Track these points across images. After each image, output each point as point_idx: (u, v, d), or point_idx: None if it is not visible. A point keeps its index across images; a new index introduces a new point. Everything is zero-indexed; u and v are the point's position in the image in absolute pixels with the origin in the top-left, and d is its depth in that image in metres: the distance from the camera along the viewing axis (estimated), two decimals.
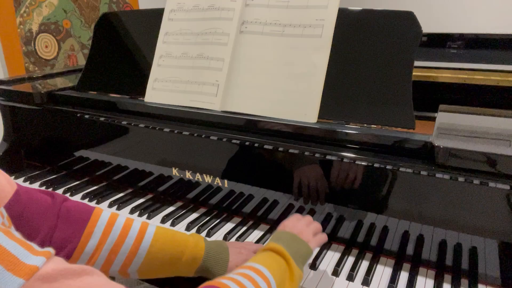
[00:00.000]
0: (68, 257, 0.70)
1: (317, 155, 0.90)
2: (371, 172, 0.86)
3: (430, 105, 1.08)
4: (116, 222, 0.75)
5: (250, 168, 1.01)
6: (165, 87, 1.14)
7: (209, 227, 1.01)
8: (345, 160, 0.88)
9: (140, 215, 1.08)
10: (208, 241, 0.81)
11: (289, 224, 0.78)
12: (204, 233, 1.00)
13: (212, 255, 0.79)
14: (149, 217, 1.07)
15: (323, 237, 0.81)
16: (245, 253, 0.83)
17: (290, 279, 0.65)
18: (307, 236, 0.75)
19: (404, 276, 0.84)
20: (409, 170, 0.82)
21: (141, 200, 1.16)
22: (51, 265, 0.44)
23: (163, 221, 1.05)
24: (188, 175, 1.09)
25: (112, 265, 0.74)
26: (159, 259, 0.76)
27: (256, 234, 1.00)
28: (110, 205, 1.13)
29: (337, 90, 0.95)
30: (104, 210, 0.77)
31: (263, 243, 0.95)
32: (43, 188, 1.24)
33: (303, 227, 0.77)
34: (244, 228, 1.02)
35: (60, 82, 1.44)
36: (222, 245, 0.82)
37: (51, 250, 0.45)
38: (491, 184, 0.75)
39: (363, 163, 0.86)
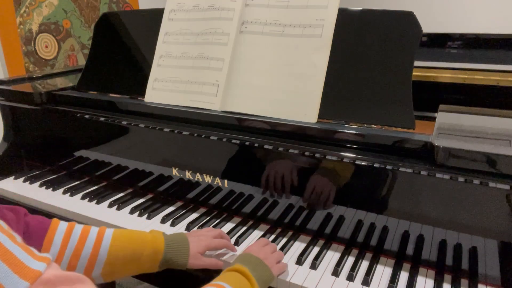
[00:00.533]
0: None
1: (317, 155, 0.90)
2: (371, 172, 0.86)
3: (430, 105, 1.08)
4: (74, 229, 0.79)
5: (250, 168, 1.01)
6: (165, 87, 1.14)
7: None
8: (345, 160, 0.87)
9: (140, 215, 1.08)
10: (167, 235, 0.85)
11: (255, 249, 0.83)
12: None
13: (172, 247, 0.82)
14: (149, 217, 1.07)
15: (284, 266, 0.85)
16: (204, 239, 0.87)
17: None
18: (270, 262, 0.80)
19: (404, 276, 0.84)
20: (409, 170, 0.82)
21: (141, 200, 1.16)
22: (52, 271, 0.47)
23: (163, 221, 1.05)
24: (188, 175, 1.09)
25: (75, 270, 0.75)
26: (121, 258, 0.78)
27: (256, 234, 1.00)
28: (110, 205, 1.13)
29: (337, 90, 0.95)
30: (61, 221, 0.80)
31: None
32: (43, 188, 1.24)
33: (267, 254, 0.82)
34: (244, 228, 1.02)
35: (60, 82, 1.44)
36: (181, 235, 0.86)
37: (49, 256, 0.48)
38: (491, 184, 0.75)
39: (363, 163, 0.86)
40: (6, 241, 0.45)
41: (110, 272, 0.79)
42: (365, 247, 0.92)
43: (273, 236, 0.98)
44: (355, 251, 0.93)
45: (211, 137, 1.02)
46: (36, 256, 0.47)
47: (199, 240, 0.86)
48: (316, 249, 0.93)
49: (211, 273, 0.85)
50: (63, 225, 0.79)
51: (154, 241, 0.82)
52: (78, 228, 0.80)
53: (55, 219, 0.81)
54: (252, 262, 0.78)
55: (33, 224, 0.77)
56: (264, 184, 0.99)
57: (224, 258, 0.90)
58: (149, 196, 1.18)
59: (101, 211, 1.11)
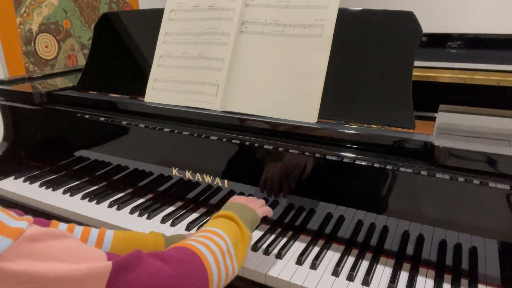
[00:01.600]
0: None
1: (317, 155, 0.90)
2: (371, 172, 0.86)
3: (430, 105, 1.08)
4: (74, 230, 0.78)
5: (250, 168, 1.01)
6: (165, 87, 1.14)
7: None
8: (345, 160, 0.87)
9: (140, 215, 1.08)
10: (167, 236, 0.86)
11: (237, 198, 0.88)
12: None
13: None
14: (149, 217, 1.07)
15: (269, 209, 0.90)
16: None
17: (242, 240, 0.75)
18: (253, 206, 0.85)
19: (404, 276, 0.84)
20: (409, 170, 0.82)
21: (141, 200, 1.16)
22: (35, 228, 0.48)
23: (163, 221, 1.05)
24: (188, 175, 1.09)
25: None
26: None
27: (256, 234, 1.00)
28: (110, 205, 1.13)
29: (337, 90, 0.95)
30: (60, 223, 0.80)
31: (263, 243, 0.95)
32: (43, 188, 1.24)
33: (249, 200, 0.87)
34: None
35: (60, 82, 1.44)
36: (180, 236, 0.87)
37: (30, 217, 0.49)
38: (491, 184, 0.75)
39: (363, 163, 0.86)
40: None
41: None
42: (365, 247, 0.92)
43: (273, 236, 0.98)
44: (355, 251, 0.93)
45: (211, 137, 1.02)
46: (16, 217, 0.48)
47: None
48: (316, 249, 0.93)
49: None
50: (62, 227, 0.79)
51: (155, 242, 0.82)
52: (78, 229, 0.79)
53: (54, 221, 0.80)
54: (237, 207, 0.82)
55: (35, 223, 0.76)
56: (264, 184, 0.99)
57: None
58: (149, 196, 1.18)
59: (101, 211, 1.11)
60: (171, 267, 0.60)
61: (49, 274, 0.46)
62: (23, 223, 0.47)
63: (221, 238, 0.70)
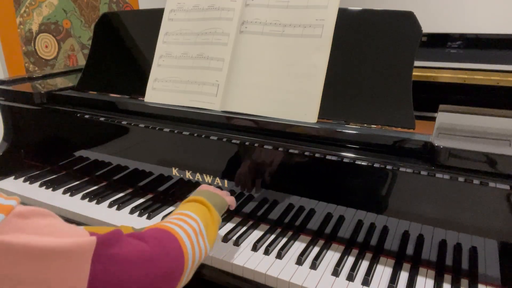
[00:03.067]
0: None
1: (317, 155, 0.90)
2: (371, 172, 0.86)
3: (430, 105, 1.08)
4: None
5: (250, 168, 1.01)
6: (165, 87, 1.14)
7: None
8: (345, 160, 0.87)
9: (140, 215, 1.08)
10: (136, 228, 0.88)
11: (205, 186, 0.93)
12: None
13: None
14: (149, 217, 1.07)
15: (233, 198, 0.96)
16: None
17: (212, 222, 0.80)
18: (222, 194, 0.91)
19: (404, 276, 0.84)
20: (409, 170, 0.82)
21: (141, 200, 1.16)
22: (22, 206, 0.51)
23: None
24: (188, 175, 1.09)
25: None
26: None
27: (256, 234, 1.00)
28: (110, 205, 1.13)
29: (337, 90, 0.95)
30: None
31: (264, 243, 0.95)
32: (43, 188, 1.24)
33: (217, 190, 0.92)
34: (244, 228, 1.02)
35: (60, 82, 1.44)
36: None
37: (17, 197, 0.52)
38: (491, 184, 0.75)
39: (363, 163, 0.86)
40: None
41: None
42: (365, 247, 0.92)
43: (273, 236, 0.98)
44: (355, 251, 0.93)
45: (211, 137, 1.02)
46: (6, 197, 0.51)
47: None
48: (316, 249, 0.93)
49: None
50: None
51: (125, 231, 0.85)
52: None
53: None
54: (205, 193, 0.87)
55: None
56: (264, 185, 0.99)
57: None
58: (149, 196, 1.18)
59: (101, 211, 1.11)
60: (149, 245, 0.63)
61: (37, 245, 0.48)
62: (12, 201, 0.50)
63: (193, 220, 0.75)
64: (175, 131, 1.07)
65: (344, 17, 0.97)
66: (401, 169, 0.82)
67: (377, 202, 0.88)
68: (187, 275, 0.70)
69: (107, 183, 1.25)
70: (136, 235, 0.65)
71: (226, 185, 1.04)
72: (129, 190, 1.21)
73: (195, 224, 0.75)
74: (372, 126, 0.91)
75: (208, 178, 1.06)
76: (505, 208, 0.75)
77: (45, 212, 0.53)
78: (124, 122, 1.14)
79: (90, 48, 1.35)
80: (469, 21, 2.65)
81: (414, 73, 0.91)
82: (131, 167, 1.19)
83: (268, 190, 0.99)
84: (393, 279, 0.82)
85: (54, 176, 1.31)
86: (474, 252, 0.81)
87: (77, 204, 1.15)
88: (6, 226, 0.47)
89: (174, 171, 1.11)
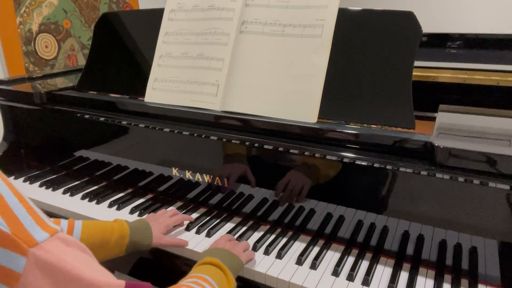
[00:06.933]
0: None
1: (317, 155, 0.90)
2: (371, 172, 0.86)
3: (430, 105, 1.08)
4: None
5: (250, 168, 1.01)
6: (165, 87, 1.14)
7: (209, 227, 1.01)
8: (345, 160, 0.87)
9: (140, 215, 1.08)
10: (130, 221, 0.93)
11: (221, 242, 0.89)
12: (204, 233, 1.00)
13: (137, 231, 0.91)
14: None
15: (252, 253, 0.90)
16: (163, 221, 0.97)
17: (228, 286, 0.77)
18: (238, 252, 0.86)
19: (404, 276, 0.84)
20: (409, 170, 0.82)
21: (141, 200, 1.16)
22: (67, 235, 0.54)
23: None
24: (188, 175, 1.09)
25: None
26: (91, 245, 0.82)
27: (256, 234, 1.00)
28: (110, 205, 1.13)
29: (337, 90, 0.95)
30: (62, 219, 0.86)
31: (264, 243, 0.95)
32: (43, 188, 1.24)
33: (233, 245, 0.88)
34: (244, 228, 1.02)
35: (60, 82, 1.44)
36: (142, 221, 0.96)
37: (58, 228, 0.54)
38: (491, 184, 0.75)
39: (363, 163, 0.86)
40: (30, 202, 0.53)
41: None
42: (365, 247, 0.92)
43: (273, 236, 0.98)
44: (355, 251, 0.93)
45: (211, 137, 1.02)
46: (53, 222, 0.54)
47: (159, 223, 0.96)
48: (316, 249, 0.93)
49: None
50: (63, 223, 0.84)
51: (120, 227, 0.90)
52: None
53: (55, 219, 0.82)
54: (221, 253, 0.83)
55: None
56: (264, 185, 0.99)
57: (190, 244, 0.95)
58: (149, 196, 1.18)
59: (101, 211, 1.11)
60: None
61: (73, 271, 0.51)
62: (58, 227, 0.53)
63: (209, 285, 0.73)
64: (175, 131, 1.07)
65: (344, 17, 0.97)
66: (401, 169, 0.82)
67: (377, 202, 0.88)
68: None
69: (107, 183, 1.25)
70: None
71: (226, 185, 1.04)
72: (129, 190, 1.21)
73: None
74: (372, 126, 0.91)
75: (208, 178, 1.06)
76: (505, 208, 0.75)
77: (85, 248, 0.57)
78: (124, 122, 1.14)
79: (90, 48, 1.35)
80: (469, 21, 2.65)
81: (414, 73, 0.91)
82: (131, 167, 1.19)
83: (268, 190, 0.99)
84: (393, 279, 0.82)
85: (54, 176, 1.31)
86: (474, 252, 0.81)
87: (77, 204, 1.15)
88: (50, 244, 0.51)
89: (174, 171, 1.11)
